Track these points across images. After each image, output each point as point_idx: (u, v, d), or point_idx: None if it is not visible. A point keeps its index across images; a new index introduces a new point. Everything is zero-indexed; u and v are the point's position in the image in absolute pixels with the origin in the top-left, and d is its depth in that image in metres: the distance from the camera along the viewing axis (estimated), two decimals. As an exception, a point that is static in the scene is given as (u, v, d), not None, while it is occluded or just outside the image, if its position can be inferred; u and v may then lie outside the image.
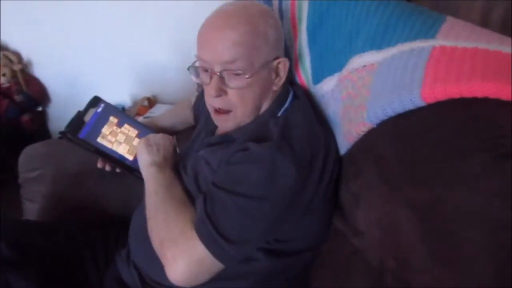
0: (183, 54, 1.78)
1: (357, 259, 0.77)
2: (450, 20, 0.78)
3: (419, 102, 0.63)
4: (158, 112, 1.73)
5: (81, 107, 1.91)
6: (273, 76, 0.82)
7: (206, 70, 0.80)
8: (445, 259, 0.59)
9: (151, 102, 1.84)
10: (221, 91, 0.78)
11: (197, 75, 0.84)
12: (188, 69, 0.84)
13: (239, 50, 0.75)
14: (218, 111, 0.83)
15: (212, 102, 0.82)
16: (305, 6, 0.94)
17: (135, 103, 1.87)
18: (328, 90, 0.88)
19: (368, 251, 0.74)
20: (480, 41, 0.68)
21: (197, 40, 0.81)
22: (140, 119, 1.66)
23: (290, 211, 0.75)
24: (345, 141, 0.81)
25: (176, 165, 0.92)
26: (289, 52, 0.97)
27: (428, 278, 0.60)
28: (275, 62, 0.81)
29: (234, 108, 0.81)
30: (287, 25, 0.98)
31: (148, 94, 1.87)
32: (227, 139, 0.85)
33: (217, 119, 0.85)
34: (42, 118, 2.02)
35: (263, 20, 0.79)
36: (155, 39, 1.77)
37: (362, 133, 0.75)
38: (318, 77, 0.90)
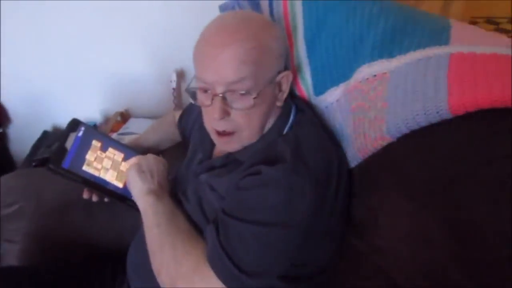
0: (156, 64, 1.71)
1: (380, 277, 0.73)
2: (455, 23, 0.76)
3: (447, 115, 0.60)
4: (133, 127, 1.64)
5: (46, 126, 1.80)
6: (277, 91, 0.77)
7: (205, 91, 0.73)
8: (484, 279, 0.57)
9: (125, 116, 1.74)
10: (225, 113, 0.72)
11: (194, 96, 0.77)
12: (186, 91, 0.77)
13: (245, 69, 0.69)
14: (221, 133, 0.76)
15: (215, 125, 0.76)
16: (299, 13, 0.89)
17: (106, 119, 1.75)
18: (332, 101, 0.84)
19: (392, 270, 0.71)
20: (495, 46, 0.66)
21: (196, 58, 0.74)
22: (114, 135, 1.56)
23: (311, 233, 0.70)
24: (357, 154, 0.78)
25: (171, 190, 0.85)
26: (286, 62, 0.92)
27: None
28: (279, 77, 0.76)
29: (239, 130, 0.75)
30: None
31: (121, 108, 1.76)
32: (231, 161, 0.79)
33: (219, 142, 0.79)
34: (2, 140, 1.86)
35: (267, 33, 0.73)
36: (125, 49, 1.66)
37: (380, 147, 0.71)
38: (320, 88, 0.86)
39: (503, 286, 0.55)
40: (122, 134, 1.57)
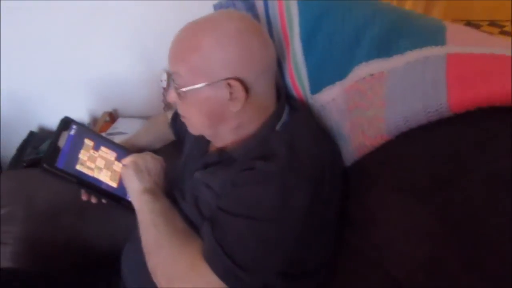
0: (144, 63, 1.69)
1: (379, 274, 0.74)
2: (449, 25, 0.77)
3: (447, 113, 0.61)
4: (122, 127, 1.62)
5: (32, 127, 1.75)
6: (226, 97, 0.73)
7: None
8: (481, 271, 0.58)
9: (113, 117, 1.72)
10: (171, 98, 0.79)
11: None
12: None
13: (178, 65, 0.74)
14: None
15: None
16: (294, 13, 0.90)
17: (94, 120, 1.73)
18: (329, 100, 0.84)
19: (392, 267, 0.72)
20: (490, 47, 0.67)
21: None
22: (103, 135, 1.53)
23: (307, 229, 0.70)
24: (354, 153, 0.79)
25: (167, 189, 0.85)
26: (282, 61, 0.93)
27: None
28: (223, 83, 0.72)
29: (187, 118, 0.82)
30: (278, 33, 0.93)
31: (109, 108, 1.73)
32: (225, 157, 0.79)
33: None
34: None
35: (218, 41, 0.71)
36: (112, 49, 1.63)
37: (378, 145, 0.72)
38: (316, 87, 0.87)
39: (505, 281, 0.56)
40: (111, 134, 1.55)
